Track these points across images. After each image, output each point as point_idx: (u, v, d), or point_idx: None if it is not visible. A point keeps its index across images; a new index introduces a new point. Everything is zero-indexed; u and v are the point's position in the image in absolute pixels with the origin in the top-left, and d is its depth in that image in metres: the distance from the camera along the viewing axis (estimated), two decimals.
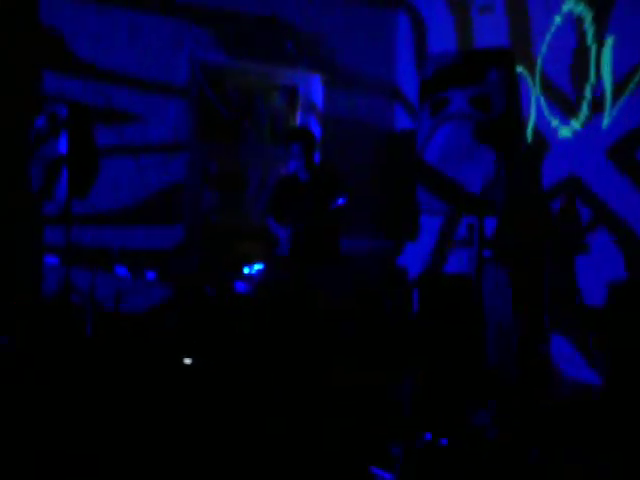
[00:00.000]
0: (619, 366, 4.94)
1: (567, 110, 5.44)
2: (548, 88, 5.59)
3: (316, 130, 6.96)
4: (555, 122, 5.53)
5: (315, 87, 7.10)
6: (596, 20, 5.21)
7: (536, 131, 5.68)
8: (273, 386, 4.67)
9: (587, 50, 5.27)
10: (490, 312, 4.96)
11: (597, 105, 5.20)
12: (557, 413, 4.38)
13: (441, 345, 5.24)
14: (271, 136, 7.22)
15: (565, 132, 5.45)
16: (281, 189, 5.59)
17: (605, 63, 5.15)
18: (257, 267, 4.42)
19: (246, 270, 4.36)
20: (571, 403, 4.72)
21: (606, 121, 5.14)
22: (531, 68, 5.71)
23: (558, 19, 5.51)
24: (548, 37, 5.60)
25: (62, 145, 4.96)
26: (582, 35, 5.32)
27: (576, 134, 5.37)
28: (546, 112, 5.61)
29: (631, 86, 4.95)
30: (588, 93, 5.27)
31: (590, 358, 5.17)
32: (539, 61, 5.66)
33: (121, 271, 4.77)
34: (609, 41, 5.12)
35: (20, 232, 6.01)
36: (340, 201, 5.20)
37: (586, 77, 5.28)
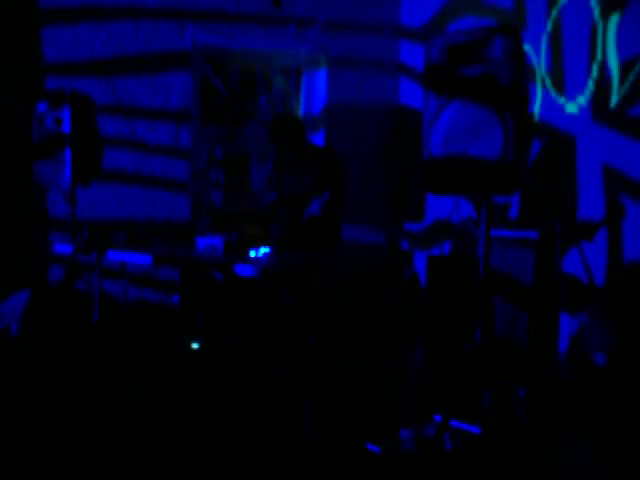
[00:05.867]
0: (623, 344, 4.94)
1: (573, 88, 5.39)
2: (554, 66, 5.54)
3: (319, 111, 6.90)
4: (561, 100, 5.48)
5: (319, 68, 7.05)
6: None
7: (542, 111, 5.63)
8: (279, 369, 4.66)
9: (595, 27, 5.21)
10: (499, 286, 4.94)
11: (605, 83, 5.15)
12: (564, 388, 4.38)
13: (450, 323, 5.22)
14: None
15: (571, 108, 5.40)
16: (277, 170, 5.51)
17: (610, 40, 5.09)
18: (263, 250, 4.39)
19: (252, 253, 4.34)
20: (576, 379, 4.74)
21: (614, 99, 5.09)
22: (536, 46, 5.65)
23: None
24: (554, 13, 5.53)
25: (65, 130, 4.93)
26: (589, 12, 5.25)
27: (582, 111, 5.32)
28: (552, 92, 5.55)
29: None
30: (595, 71, 5.21)
31: (595, 336, 5.15)
32: (544, 39, 5.60)
33: (128, 257, 4.75)
34: (614, 18, 5.06)
35: (25, 220, 6.00)
36: (315, 206, 5.09)
37: (594, 54, 5.22)
